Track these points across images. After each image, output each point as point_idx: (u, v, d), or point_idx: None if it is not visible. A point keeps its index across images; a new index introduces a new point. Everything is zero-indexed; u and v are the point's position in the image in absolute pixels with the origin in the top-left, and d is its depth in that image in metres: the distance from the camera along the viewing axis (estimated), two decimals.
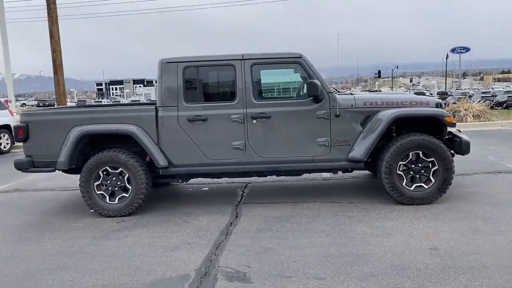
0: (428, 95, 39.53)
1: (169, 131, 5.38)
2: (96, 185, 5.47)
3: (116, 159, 5.37)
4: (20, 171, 5.66)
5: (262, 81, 5.57)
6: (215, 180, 6.89)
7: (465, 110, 13.66)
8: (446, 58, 61.25)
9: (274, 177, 6.36)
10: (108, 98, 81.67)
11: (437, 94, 36.35)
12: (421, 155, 5.22)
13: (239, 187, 6.71)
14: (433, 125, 5.41)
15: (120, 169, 5.43)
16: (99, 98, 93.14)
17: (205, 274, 3.67)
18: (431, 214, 4.90)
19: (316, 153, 5.36)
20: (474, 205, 5.14)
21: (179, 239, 4.57)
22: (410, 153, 5.21)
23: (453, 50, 56.40)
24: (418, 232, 4.38)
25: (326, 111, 5.29)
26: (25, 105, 65.44)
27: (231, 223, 4.99)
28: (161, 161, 5.36)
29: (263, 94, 5.55)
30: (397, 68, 78.46)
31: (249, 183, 6.91)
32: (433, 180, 5.23)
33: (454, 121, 5.27)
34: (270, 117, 5.32)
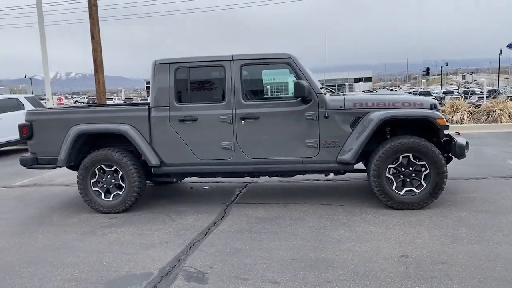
0: (479, 93, 37.69)
1: (161, 130, 5.49)
2: (92, 182, 5.68)
3: (110, 158, 5.55)
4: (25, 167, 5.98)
5: (251, 82, 5.57)
6: (217, 179, 6.95)
7: (500, 110, 12.95)
8: (500, 54, 58.33)
9: (275, 178, 6.33)
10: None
11: (488, 92, 34.65)
12: (411, 158, 5.04)
13: (238, 186, 6.74)
14: (428, 127, 5.21)
15: (115, 167, 5.60)
16: (146, 96, 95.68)
17: (167, 273, 3.74)
18: (418, 220, 4.73)
19: (305, 154, 5.30)
20: (467, 212, 4.90)
21: (158, 237, 4.67)
22: (400, 156, 5.04)
23: (510, 46, 53.29)
24: (395, 238, 4.24)
25: (315, 112, 5.22)
26: (78, 102, 68.50)
27: (214, 223, 5.03)
28: (152, 160, 5.48)
29: (252, 95, 5.53)
30: (447, 65, 75.49)
31: (250, 183, 6.92)
32: (424, 185, 5.04)
33: (447, 124, 5.03)
34: (258, 117, 5.32)
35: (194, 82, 5.56)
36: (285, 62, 5.31)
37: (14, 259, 4.28)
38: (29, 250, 4.50)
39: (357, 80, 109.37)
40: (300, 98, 5.19)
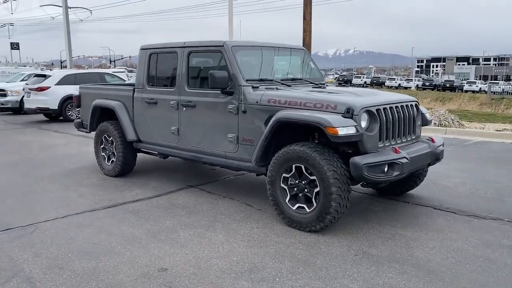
0: None
1: (138, 110, 6.10)
2: (101, 148, 6.78)
3: (106, 129, 6.52)
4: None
5: (196, 70, 5.49)
6: None
7: None
8: None
9: None
10: (417, 77, 77.07)
11: None
12: (303, 170, 4.19)
13: (234, 173, 6.69)
14: None
15: (111, 137, 6.54)
16: (411, 76, 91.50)
17: (22, 227, 4.48)
18: (281, 241, 4.00)
19: (227, 149, 5.03)
20: (358, 248, 3.82)
21: (83, 201, 5.37)
22: (293, 166, 4.25)
23: None
24: (207, 251, 3.82)
25: (235, 105, 4.86)
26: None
27: (137, 200, 5.40)
28: (129, 135, 6.17)
29: (195, 83, 5.45)
30: None
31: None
32: (314, 204, 4.13)
33: (339, 134, 3.87)
34: (195, 106, 5.31)
35: (160, 68, 5.88)
36: (218, 50, 5.08)
37: None
38: (9, 192, 5.86)
39: None
40: (219, 90, 4.92)
